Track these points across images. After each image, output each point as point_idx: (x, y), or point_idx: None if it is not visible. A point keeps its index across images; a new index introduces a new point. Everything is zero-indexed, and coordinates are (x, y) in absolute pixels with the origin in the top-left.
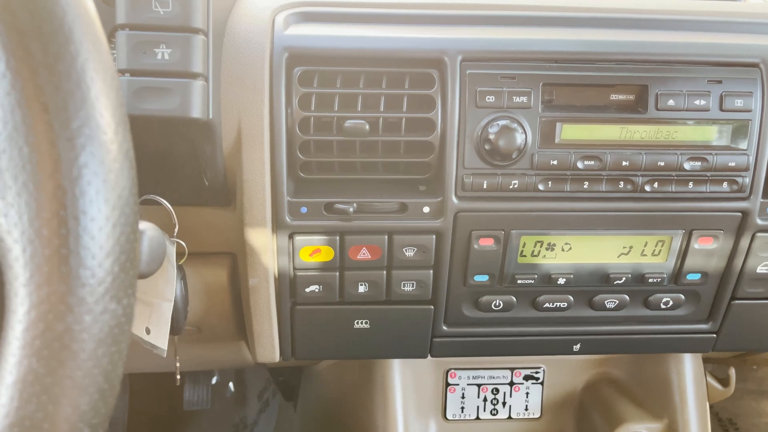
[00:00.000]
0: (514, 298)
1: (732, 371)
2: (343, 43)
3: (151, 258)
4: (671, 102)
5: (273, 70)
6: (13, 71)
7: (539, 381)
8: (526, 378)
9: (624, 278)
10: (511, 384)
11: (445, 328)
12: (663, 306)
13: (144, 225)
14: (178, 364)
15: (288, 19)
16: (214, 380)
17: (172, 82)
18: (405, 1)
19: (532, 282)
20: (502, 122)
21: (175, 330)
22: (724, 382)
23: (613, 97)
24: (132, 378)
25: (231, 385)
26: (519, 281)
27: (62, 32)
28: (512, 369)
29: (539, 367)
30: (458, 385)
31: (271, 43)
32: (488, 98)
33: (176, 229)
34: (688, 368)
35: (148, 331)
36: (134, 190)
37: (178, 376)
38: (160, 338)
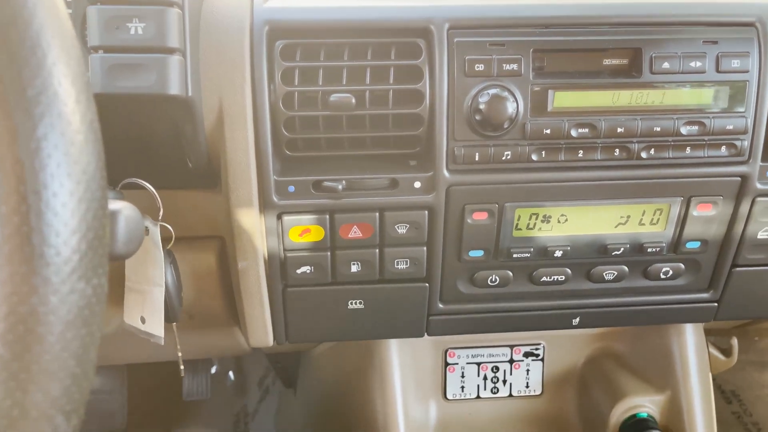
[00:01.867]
0: (511, 273)
1: (734, 341)
2: (326, 14)
3: (129, 238)
4: (666, 65)
5: (254, 44)
6: None
7: (539, 357)
8: (526, 355)
9: (622, 249)
10: (511, 361)
11: (440, 305)
12: (663, 276)
13: (119, 204)
14: (180, 354)
15: None
16: (213, 369)
17: (147, 57)
18: None
19: (528, 255)
20: (492, 91)
21: (171, 317)
22: (727, 352)
23: (606, 61)
24: (130, 369)
25: (231, 374)
26: (515, 255)
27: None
28: (512, 346)
29: (539, 344)
30: (457, 364)
31: (250, 16)
32: (477, 67)
33: (161, 213)
34: (690, 339)
35: (143, 321)
36: (101, 164)
37: (182, 366)
38: (155, 326)
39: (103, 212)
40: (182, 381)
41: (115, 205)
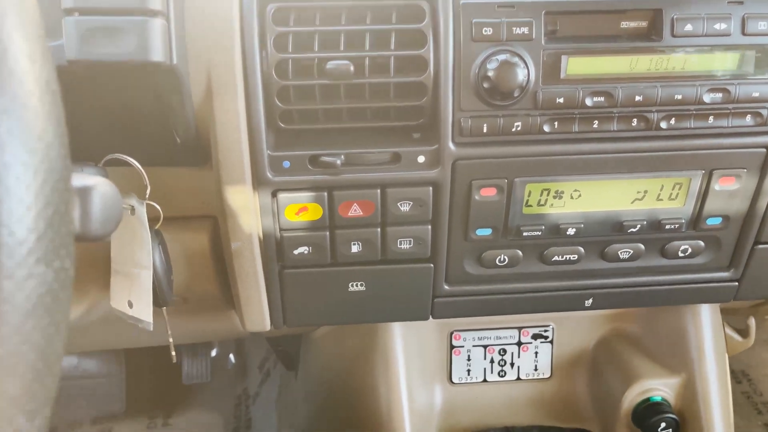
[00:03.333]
0: (520, 252)
1: (752, 321)
2: None
3: (105, 217)
4: (689, 27)
5: (243, 7)
6: None
7: (548, 339)
8: (535, 337)
9: (639, 226)
10: (519, 344)
11: (446, 287)
12: (681, 254)
13: (94, 179)
14: (171, 339)
15: None
16: (213, 353)
17: (126, 20)
18: None
19: (539, 234)
20: (501, 57)
21: (160, 301)
22: (744, 333)
23: (624, 24)
24: (128, 352)
25: (231, 356)
26: (525, 233)
27: None
28: (520, 328)
29: (548, 325)
30: (463, 347)
31: None
32: (485, 30)
33: (148, 191)
34: (706, 319)
35: (130, 305)
36: (62, 131)
37: (173, 353)
38: (143, 311)
39: (65, 185)
40: (181, 364)
41: (88, 180)
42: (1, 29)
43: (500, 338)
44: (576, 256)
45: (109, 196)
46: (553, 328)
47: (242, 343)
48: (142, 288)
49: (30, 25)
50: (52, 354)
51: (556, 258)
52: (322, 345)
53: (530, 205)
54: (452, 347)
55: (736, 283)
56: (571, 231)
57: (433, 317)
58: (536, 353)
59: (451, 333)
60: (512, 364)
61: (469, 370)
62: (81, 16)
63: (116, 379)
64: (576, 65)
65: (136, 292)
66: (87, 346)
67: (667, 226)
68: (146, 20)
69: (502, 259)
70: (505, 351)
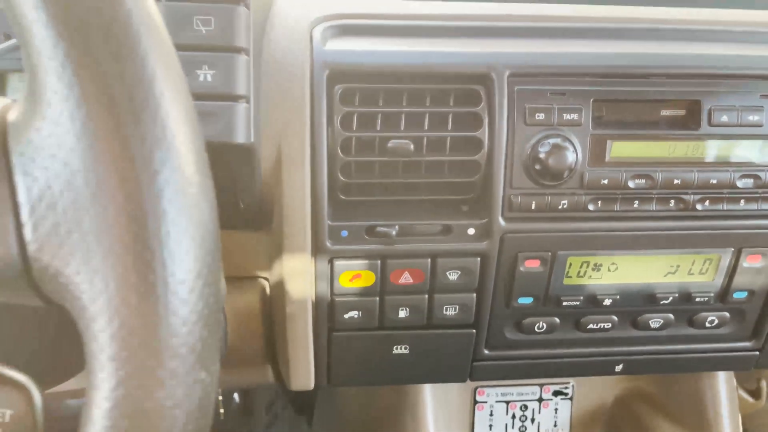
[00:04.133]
0: (558, 320)
1: (764, 383)
2: (386, 58)
3: None
4: (724, 118)
5: (314, 88)
6: (97, 120)
7: (568, 396)
8: (555, 393)
9: (670, 298)
10: (540, 400)
11: (486, 351)
12: (708, 324)
13: None
14: (220, 398)
15: (326, 32)
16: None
17: (215, 105)
18: (447, 12)
19: (578, 304)
20: (552, 140)
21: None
22: (755, 394)
23: (664, 112)
24: None
25: (236, 395)
26: (564, 303)
27: (146, 76)
28: (541, 385)
29: (568, 383)
30: (486, 402)
31: (310, 59)
32: (538, 116)
33: None
34: (722, 382)
35: None
36: (218, 238)
37: (222, 410)
38: None
39: (219, 290)
40: None
41: None
42: (180, 158)
43: (522, 394)
44: (610, 325)
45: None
46: (573, 386)
47: None
48: None
49: (199, 152)
50: None
51: (591, 326)
52: (344, 395)
53: (570, 276)
54: (476, 402)
55: (757, 353)
56: (607, 301)
57: (472, 380)
58: (556, 410)
59: (476, 389)
60: (533, 420)
61: (491, 425)
62: None
63: None
64: (619, 149)
65: None
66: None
67: (697, 299)
68: (233, 105)
69: (540, 326)
70: (526, 407)
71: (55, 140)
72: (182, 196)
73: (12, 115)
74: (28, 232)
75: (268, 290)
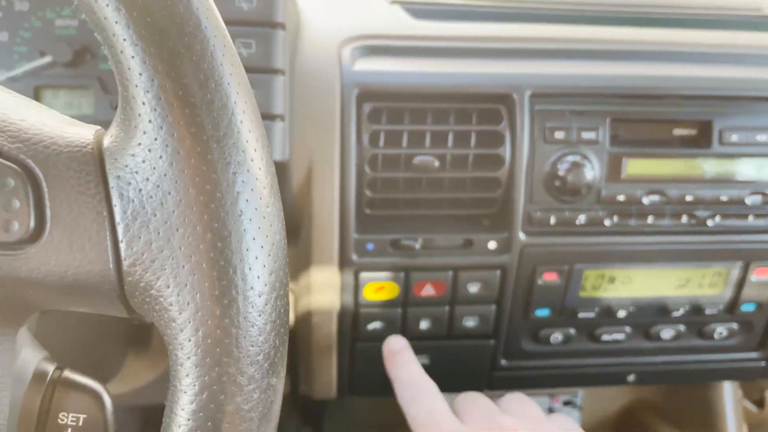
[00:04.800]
0: (573, 331)
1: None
2: (412, 79)
3: None
4: (734, 137)
5: (344, 107)
6: (187, 147)
7: (578, 406)
8: (565, 403)
9: (681, 310)
10: (550, 410)
11: (503, 361)
12: (717, 336)
13: None
14: None
15: (354, 52)
16: None
17: None
18: (468, 33)
19: (593, 315)
20: (571, 158)
21: None
22: (760, 403)
23: (677, 132)
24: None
25: None
26: (580, 315)
27: (230, 105)
28: (551, 395)
29: (577, 393)
30: None
31: (340, 79)
32: (557, 134)
33: None
34: (728, 392)
35: None
36: (286, 253)
37: None
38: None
39: (287, 299)
40: None
41: None
42: (258, 182)
43: None
44: (623, 336)
45: None
46: (581, 395)
47: None
48: None
49: (272, 176)
50: None
51: (605, 337)
52: (357, 406)
53: (586, 289)
54: None
55: (764, 363)
56: (621, 313)
57: (489, 389)
58: None
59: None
60: None
61: None
62: None
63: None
64: (635, 166)
65: None
66: (127, 399)
67: (707, 311)
68: (271, 124)
69: (556, 337)
70: None
71: (148, 165)
72: (260, 215)
73: (107, 141)
74: (123, 249)
75: (292, 301)
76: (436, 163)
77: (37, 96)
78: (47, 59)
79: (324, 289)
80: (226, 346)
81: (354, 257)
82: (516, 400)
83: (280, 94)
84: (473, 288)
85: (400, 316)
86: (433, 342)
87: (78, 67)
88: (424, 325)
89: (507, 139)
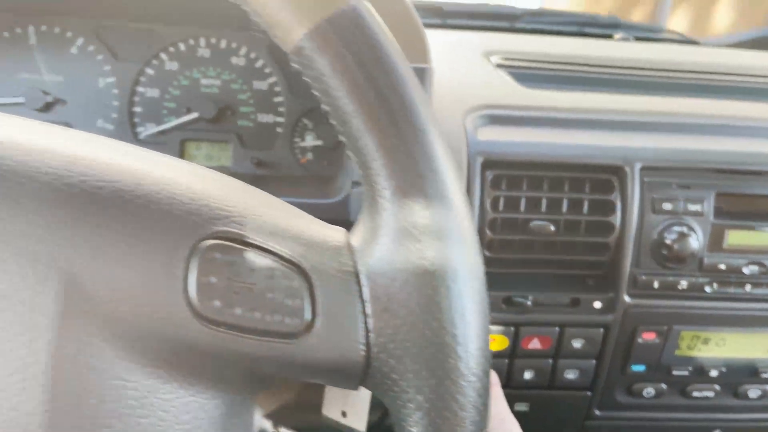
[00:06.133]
0: (665, 386)
1: None
2: (533, 149)
3: None
4: None
5: (470, 174)
6: (423, 250)
7: None
8: None
9: None
10: None
11: (597, 412)
12: None
13: None
14: None
15: (476, 121)
16: None
17: None
18: (582, 105)
19: (686, 373)
20: (677, 228)
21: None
22: None
23: None
24: None
25: None
26: (674, 372)
27: (454, 209)
28: None
29: None
30: None
31: (466, 147)
32: (665, 205)
33: None
34: None
35: (344, 414)
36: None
37: None
38: (358, 421)
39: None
40: None
41: None
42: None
43: None
44: (713, 394)
45: None
46: None
47: None
48: (359, 400)
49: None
50: None
51: (695, 393)
52: None
53: (681, 348)
54: None
55: None
56: (713, 373)
57: None
58: None
59: None
60: None
61: None
62: None
63: None
64: (736, 237)
65: (352, 403)
66: None
67: None
68: None
69: (649, 391)
70: None
71: (388, 266)
72: (481, 306)
73: (355, 242)
74: (373, 338)
75: None
76: (552, 228)
77: (182, 148)
78: (194, 115)
79: None
80: (454, 421)
81: None
82: None
83: None
84: (577, 344)
85: (506, 366)
86: (534, 391)
87: (219, 123)
88: (527, 375)
89: (618, 208)
